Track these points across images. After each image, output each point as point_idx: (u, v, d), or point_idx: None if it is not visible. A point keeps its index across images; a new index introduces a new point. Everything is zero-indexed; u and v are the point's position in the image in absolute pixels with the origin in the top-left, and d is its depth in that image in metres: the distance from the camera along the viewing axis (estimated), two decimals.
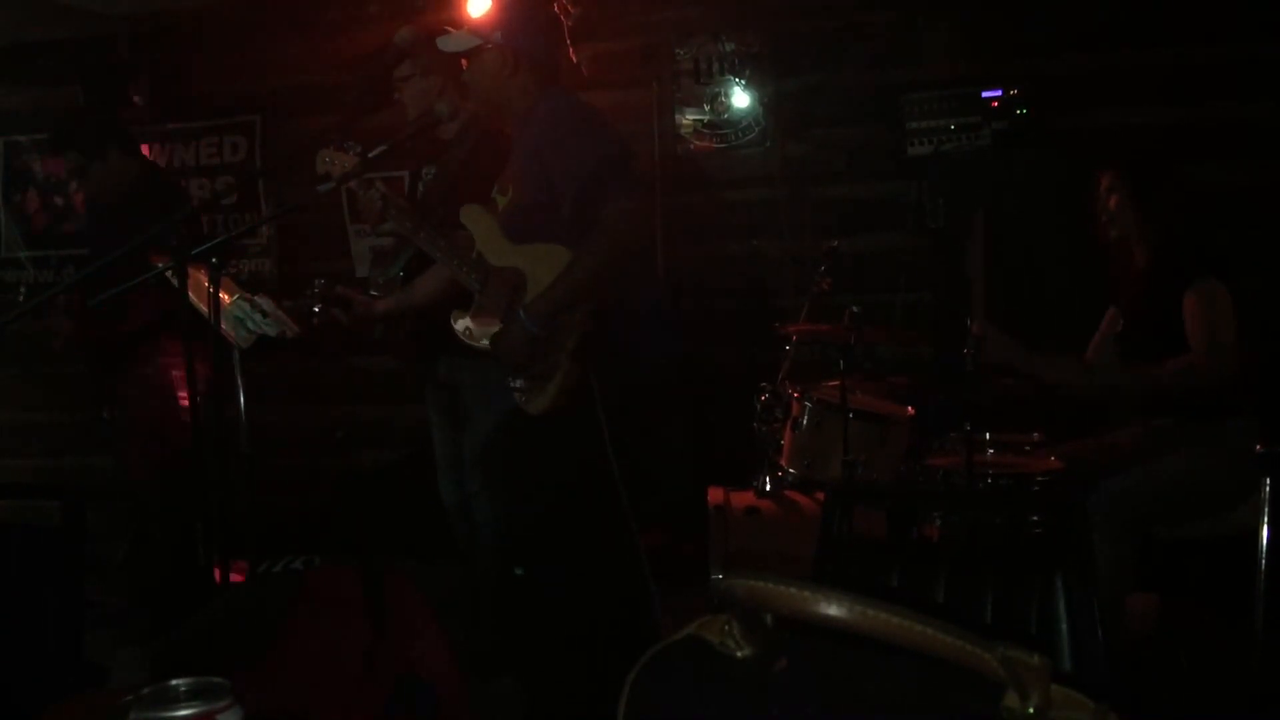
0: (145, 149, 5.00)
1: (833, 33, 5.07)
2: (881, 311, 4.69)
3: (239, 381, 3.42)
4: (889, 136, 4.87)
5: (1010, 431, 3.56)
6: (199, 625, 2.09)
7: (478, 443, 3.35)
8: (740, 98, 5.19)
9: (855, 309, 3.85)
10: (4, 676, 1.94)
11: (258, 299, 3.25)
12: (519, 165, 2.97)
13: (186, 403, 3.21)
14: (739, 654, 0.81)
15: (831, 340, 3.98)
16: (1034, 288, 4.40)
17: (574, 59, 3.18)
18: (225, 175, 5.85)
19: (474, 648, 3.35)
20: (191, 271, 2.70)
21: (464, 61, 3.04)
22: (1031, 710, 0.69)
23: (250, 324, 3.25)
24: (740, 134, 5.22)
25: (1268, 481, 2.84)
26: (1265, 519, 2.83)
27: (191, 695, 0.96)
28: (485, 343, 2.87)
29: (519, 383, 2.85)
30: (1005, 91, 4.64)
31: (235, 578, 3.19)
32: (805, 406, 3.77)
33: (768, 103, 5.17)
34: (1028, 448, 3.48)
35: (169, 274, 2.82)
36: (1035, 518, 2.97)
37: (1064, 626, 1.65)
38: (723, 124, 5.24)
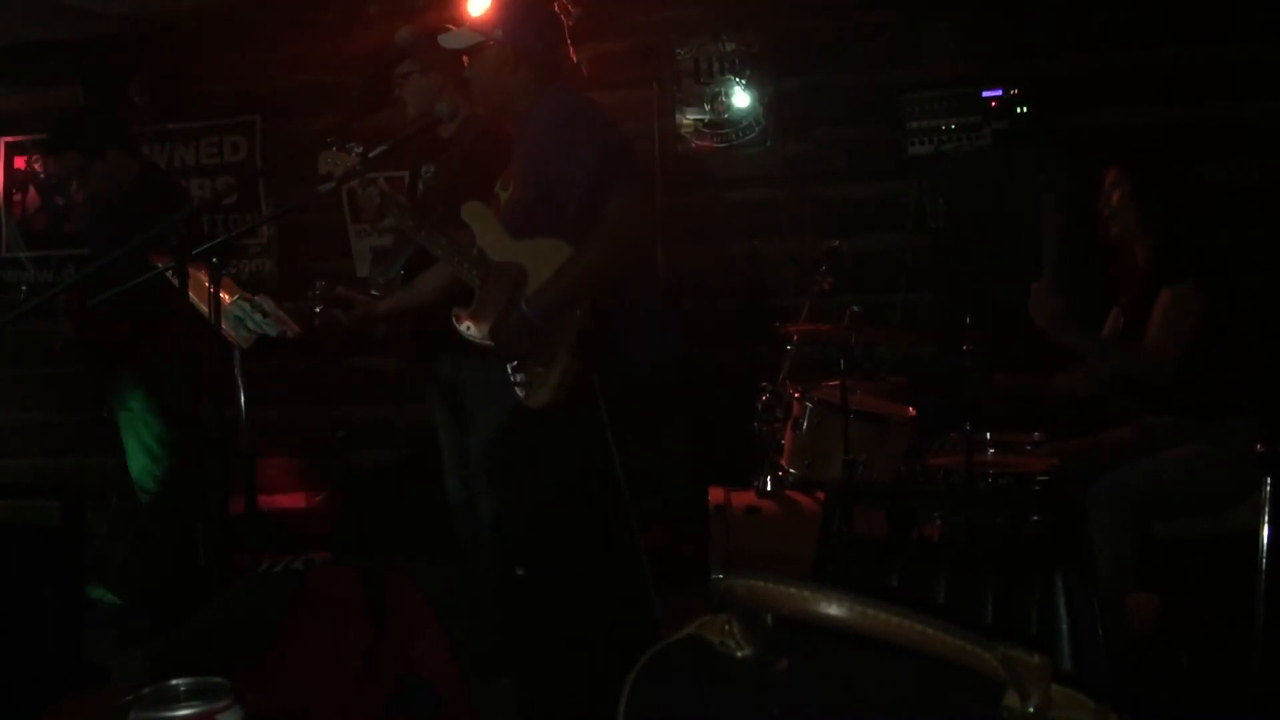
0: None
1: (833, 33, 5.08)
2: (882, 311, 4.70)
3: (239, 381, 3.41)
4: (889, 136, 4.87)
5: (1010, 431, 3.56)
6: (199, 625, 2.09)
7: (481, 441, 3.35)
8: (740, 97, 5.20)
9: (856, 309, 3.85)
10: (4, 676, 1.93)
11: (258, 299, 3.25)
12: (520, 162, 2.97)
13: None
14: (739, 654, 0.81)
15: (832, 340, 3.99)
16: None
17: (574, 59, 3.18)
18: (225, 175, 5.86)
19: (474, 648, 3.36)
20: (192, 271, 2.70)
21: (465, 59, 3.04)
22: (1032, 710, 0.69)
23: (250, 324, 3.25)
24: (740, 134, 5.22)
25: (1268, 481, 2.84)
26: (1266, 519, 2.83)
27: (191, 695, 0.96)
28: (484, 337, 2.87)
29: (519, 376, 2.85)
30: (1005, 91, 4.64)
31: (235, 578, 3.19)
32: (806, 406, 3.77)
33: (768, 102, 5.17)
34: (1028, 447, 3.48)
35: (169, 274, 2.82)
36: (1035, 517, 2.97)
37: (1064, 626, 1.65)
38: (723, 124, 5.24)
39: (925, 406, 3.92)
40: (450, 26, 3.12)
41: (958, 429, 3.31)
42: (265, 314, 3.23)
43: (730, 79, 5.21)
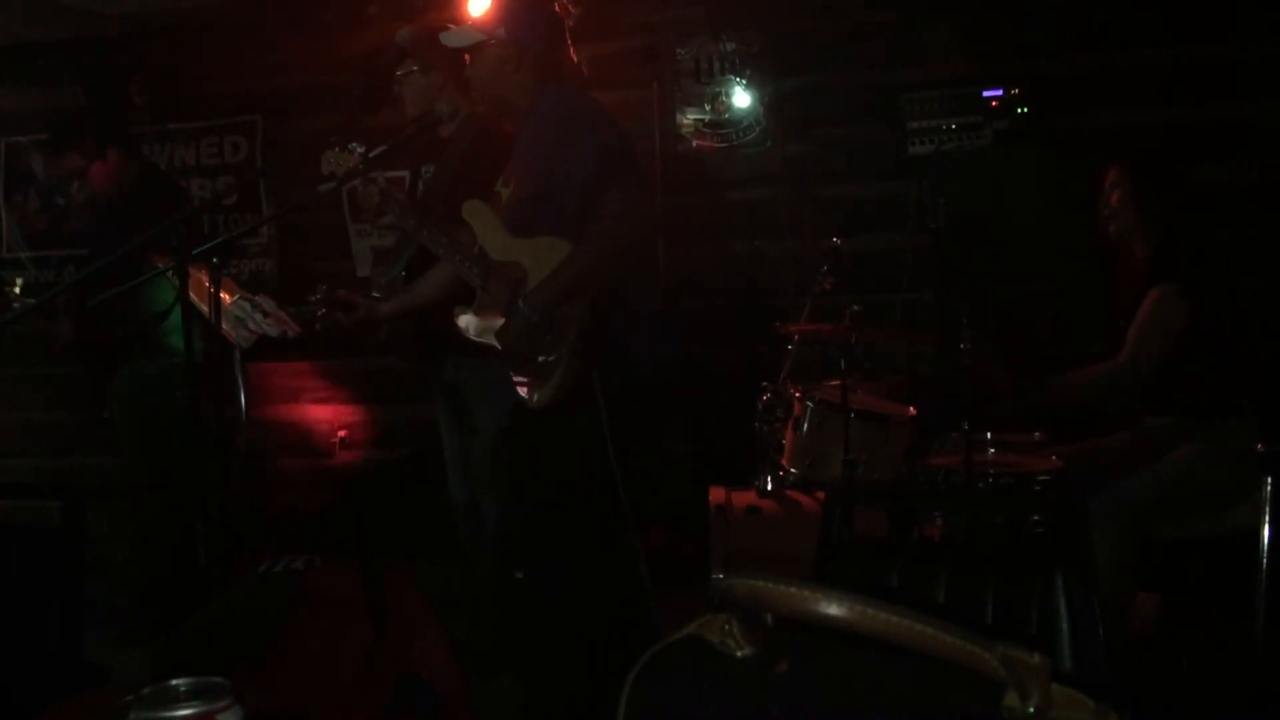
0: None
1: (833, 33, 5.08)
2: (882, 311, 4.70)
3: (239, 381, 3.41)
4: (890, 136, 4.87)
5: (1011, 431, 3.56)
6: (199, 625, 2.09)
7: (482, 442, 3.36)
8: (741, 97, 5.19)
9: (856, 309, 3.84)
10: (4, 676, 1.93)
11: (259, 299, 3.25)
12: (521, 160, 2.97)
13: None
14: (739, 654, 0.81)
15: (833, 340, 3.98)
16: (1034, 287, 4.40)
17: (574, 58, 3.18)
18: (226, 175, 5.86)
19: (474, 648, 3.36)
20: (192, 271, 2.70)
21: (467, 58, 3.04)
22: (1032, 710, 0.69)
23: (251, 324, 3.25)
24: (741, 134, 5.22)
25: (1269, 481, 2.84)
26: (1266, 518, 2.83)
27: (192, 695, 0.96)
28: (489, 338, 2.87)
29: (521, 377, 2.85)
30: (1006, 91, 4.64)
31: (235, 578, 3.19)
32: (806, 406, 3.77)
33: (768, 102, 5.17)
34: (1028, 447, 3.48)
35: (169, 274, 2.82)
36: (1036, 517, 2.97)
37: (1064, 626, 1.65)
38: (723, 123, 5.24)
39: (926, 406, 3.92)
40: (451, 26, 3.12)
41: (958, 428, 3.31)
42: (266, 314, 3.23)
43: (730, 79, 5.20)
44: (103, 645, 3.65)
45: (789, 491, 3.92)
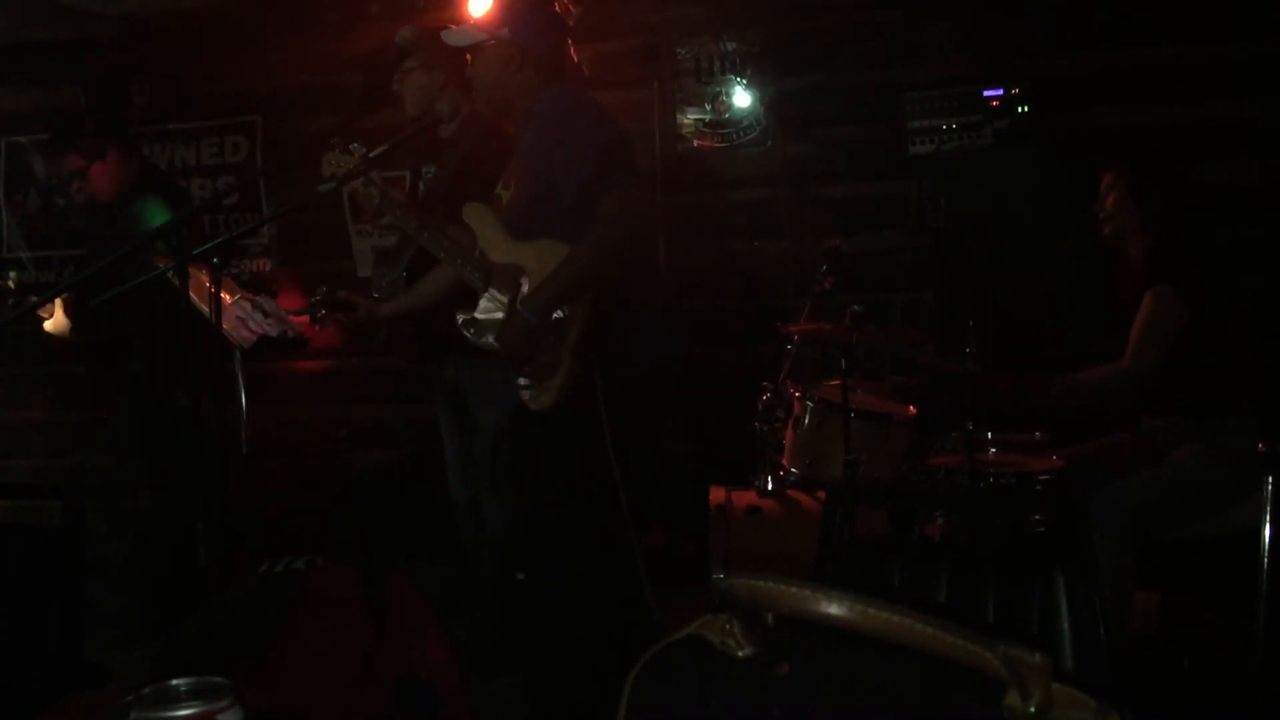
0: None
1: (833, 32, 5.08)
2: (882, 311, 4.70)
3: (239, 381, 3.42)
4: (890, 135, 4.87)
5: (1012, 431, 3.56)
6: (199, 625, 2.09)
7: (483, 443, 3.36)
8: (741, 97, 5.19)
9: (857, 308, 3.84)
10: (4, 676, 1.93)
11: (259, 299, 3.25)
12: (520, 161, 2.97)
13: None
14: (740, 654, 0.81)
15: (833, 339, 3.98)
16: (1035, 287, 4.40)
17: (575, 58, 3.18)
18: (226, 175, 5.86)
19: (474, 648, 3.36)
20: (193, 272, 2.70)
21: (468, 57, 3.04)
22: (1033, 709, 0.69)
23: (252, 324, 3.25)
24: (741, 133, 5.22)
25: (1270, 481, 2.84)
26: (1267, 518, 2.83)
27: (192, 695, 0.96)
28: (490, 339, 2.87)
29: (523, 378, 2.85)
30: (1006, 91, 4.64)
31: (236, 578, 3.19)
32: (807, 406, 3.77)
33: (769, 102, 5.17)
34: (1029, 447, 3.48)
35: (170, 274, 2.81)
36: (1037, 517, 2.97)
37: (1066, 625, 1.65)
38: (724, 123, 5.24)
39: (926, 406, 3.92)
40: (452, 26, 3.12)
41: (959, 428, 3.31)
42: (266, 314, 3.23)
43: (731, 79, 5.21)
44: (103, 645, 3.66)
45: (789, 491, 3.92)
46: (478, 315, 2.93)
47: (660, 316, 4.96)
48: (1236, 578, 2.95)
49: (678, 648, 0.83)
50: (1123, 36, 4.70)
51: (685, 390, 4.91)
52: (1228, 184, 4.45)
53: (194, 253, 2.64)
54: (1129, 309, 3.34)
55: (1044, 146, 4.62)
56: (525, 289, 2.81)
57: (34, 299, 4.02)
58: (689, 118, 5.27)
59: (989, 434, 3.46)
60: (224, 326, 3.04)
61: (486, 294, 2.91)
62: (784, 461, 3.85)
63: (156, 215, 3.73)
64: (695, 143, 5.27)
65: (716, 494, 3.93)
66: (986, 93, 4.66)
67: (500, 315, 2.86)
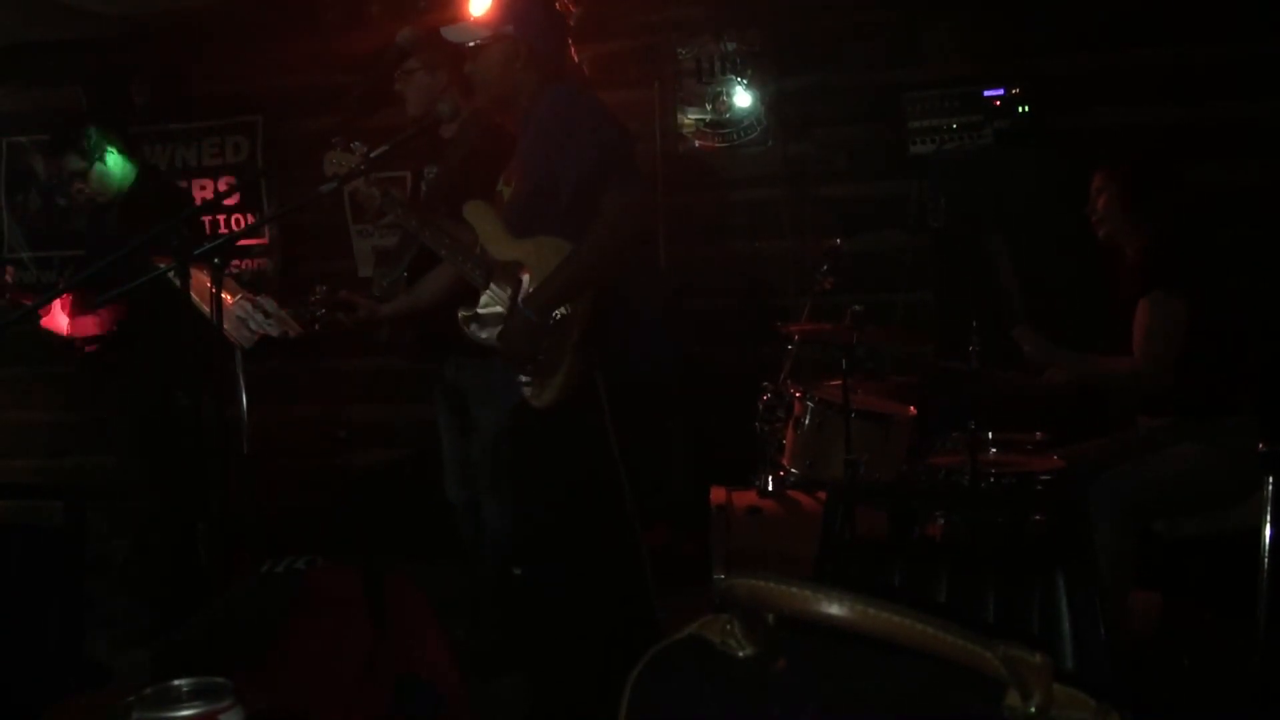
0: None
1: (834, 32, 5.08)
2: (883, 311, 4.69)
3: (240, 381, 3.41)
4: (891, 135, 4.87)
5: (1013, 431, 3.56)
6: (200, 625, 2.09)
7: (483, 442, 3.35)
8: (742, 97, 5.19)
9: (857, 308, 3.84)
10: (4, 676, 1.93)
11: (260, 299, 3.25)
12: (522, 159, 2.97)
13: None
14: (740, 654, 0.81)
15: (833, 340, 3.98)
16: (1034, 287, 4.40)
17: (576, 58, 3.17)
18: (227, 175, 5.86)
19: (474, 648, 3.36)
20: (194, 272, 2.70)
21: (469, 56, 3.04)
22: (1033, 709, 0.69)
23: (252, 324, 3.25)
24: (742, 133, 5.22)
25: (1270, 480, 2.84)
26: (1267, 518, 2.83)
27: (193, 695, 0.96)
28: (490, 337, 2.87)
29: (525, 377, 2.85)
30: (1006, 90, 4.64)
31: (236, 578, 3.19)
32: (807, 406, 3.77)
33: (769, 102, 5.17)
34: (1030, 447, 3.48)
35: (171, 274, 2.81)
36: (1037, 517, 2.97)
37: (1066, 625, 1.65)
38: (724, 123, 5.24)
39: (927, 405, 3.92)
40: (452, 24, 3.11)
41: (960, 428, 3.31)
42: (267, 314, 3.23)
43: (731, 79, 5.21)
44: (103, 645, 3.66)
45: (790, 491, 3.93)
46: (479, 310, 2.93)
47: (660, 316, 4.96)
48: (1236, 578, 2.95)
49: (678, 648, 0.83)
50: (1123, 36, 4.70)
51: (686, 390, 4.91)
52: (1227, 184, 4.45)
53: (195, 253, 2.64)
54: (1128, 309, 3.34)
55: (1044, 146, 4.62)
56: (526, 285, 2.81)
57: (26, 302, 4.03)
58: (689, 118, 5.27)
59: (990, 434, 3.46)
60: (225, 327, 3.04)
61: (487, 290, 2.91)
62: (784, 461, 3.85)
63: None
64: (696, 143, 5.28)
65: (717, 494, 3.93)
66: (987, 93, 4.66)
67: (501, 311, 2.86)
